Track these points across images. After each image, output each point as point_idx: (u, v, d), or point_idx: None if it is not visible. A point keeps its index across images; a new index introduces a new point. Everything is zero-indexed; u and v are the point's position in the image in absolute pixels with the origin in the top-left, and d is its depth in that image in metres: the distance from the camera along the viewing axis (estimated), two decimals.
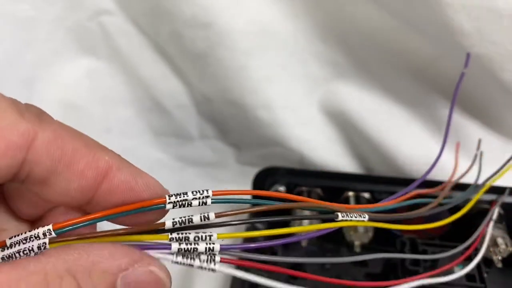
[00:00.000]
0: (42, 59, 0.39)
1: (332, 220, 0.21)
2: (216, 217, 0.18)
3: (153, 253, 0.17)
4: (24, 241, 0.16)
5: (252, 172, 0.41)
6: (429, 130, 0.43)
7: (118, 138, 0.44)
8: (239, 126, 0.46)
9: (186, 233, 0.17)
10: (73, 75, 0.41)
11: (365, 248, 0.38)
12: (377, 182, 0.40)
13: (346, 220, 0.20)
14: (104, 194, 0.18)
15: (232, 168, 0.49)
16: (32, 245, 0.16)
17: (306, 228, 0.21)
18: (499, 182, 0.38)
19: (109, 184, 0.18)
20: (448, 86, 0.40)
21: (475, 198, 0.34)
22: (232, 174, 0.49)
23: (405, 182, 0.40)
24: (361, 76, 0.43)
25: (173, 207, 0.18)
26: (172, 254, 0.17)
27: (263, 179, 0.41)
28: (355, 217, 0.21)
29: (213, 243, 0.17)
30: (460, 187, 0.37)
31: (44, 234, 0.16)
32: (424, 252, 0.34)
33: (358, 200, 0.39)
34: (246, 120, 0.44)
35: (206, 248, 0.17)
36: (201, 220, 0.18)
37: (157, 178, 0.51)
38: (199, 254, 0.17)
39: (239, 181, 0.48)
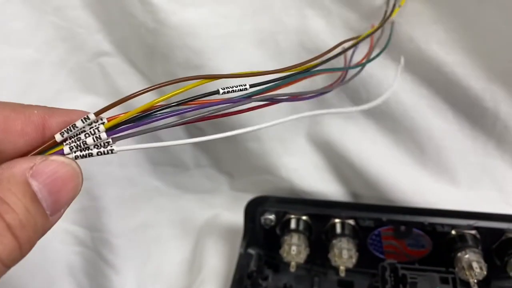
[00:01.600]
0: (46, 98, 0.42)
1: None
2: (97, 114, 0.20)
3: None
4: None
5: (246, 198, 0.44)
6: (411, 155, 0.45)
7: (118, 168, 0.47)
8: (232, 156, 0.48)
9: (77, 136, 0.20)
10: None
11: (349, 271, 0.40)
12: (361, 210, 0.42)
13: (228, 92, 0.23)
14: (52, 138, 0.20)
15: (226, 194, 0.52)
16: None
17: (181, 90, 0.23)
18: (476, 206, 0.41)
19: (50, 130, 0.20)
20: (429, 110, 0.43)
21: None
22: (227, 201, 0.52)
23: (387, 209, 0.42)
24: (345, 107, 0.45)
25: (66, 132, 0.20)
26: (68, 154, 0.20)
27: (254, 207, 0.43)
28: (237, 88, 0.24)
29: (100, 133, 0.20)
30: None
31: None
32: (404, 277, 0.36)
33: (344, 227, 0.42)
34: (238, 150, 0.47)
35: (94, 138, 0.20)
36: (83, 121, 0.20)
37: (155, 205, 0.54)
38: (94, 146, 0.20)
39: (233, 207, 0.50)
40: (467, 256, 0.38)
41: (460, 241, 0.40)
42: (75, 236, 0.46)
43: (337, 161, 0.46)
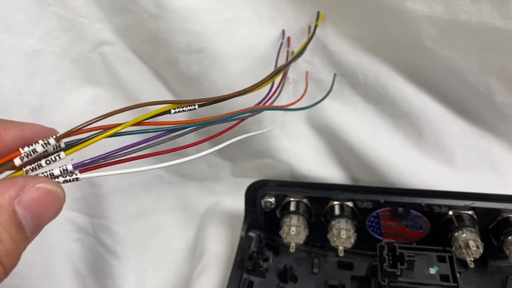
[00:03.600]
0: (48, 88, 0.43)
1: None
2: (57, 139, 0.21)
3: None
4: None
5: (246, 183, 0.44)
6: (409, 138, 0.46)
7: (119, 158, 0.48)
8: (233, 141, 0.49)
9: (38, 163, 0.20)
10: (77, 102, 0.45)
11: (348, 252, 0.41)
12: (359, 192, 0.43)
13: (179, 112, 0.24)
14: (4, 151, 0.21)
15: (228, 181, 0.53)
16: None
17: (140, 118, 0.24)
18: (473, 188, 0.42)
19: (4, 143, 0.21)
20: (427, 94, 0.44)
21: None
22: (228, 187, 0.53)
23: (385, 191, 0.43)
24: (344, 91, 0.46)
25: (25, 153, 0.20)
26: None
27: (254, 191, 0.44)
28: (186, 108, 0.25)
29: (66, 165, 0.20)
30: None
31: None
32: (401, 255, 0.37)
33: (343, 209, 0.42)
34: (239, 134, 0.47)
35: (60, 170, 0.20)
36: (43, 147, 0.20)
37: (158, 192, 0.54)
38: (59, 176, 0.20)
39: (234, 193, 0.51)
40: (464, 235, 0.39)
41: (457, 221, 0.41)
42: (74, 223, 0.47)
43: (336, 144, 0.47)
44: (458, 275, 0.37)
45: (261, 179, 0.44)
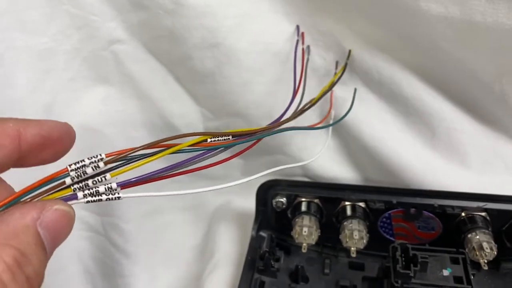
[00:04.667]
0: (60, 86, 0.43)
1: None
2: (107, 162, 0.22)
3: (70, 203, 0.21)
4: None
5: (257, 182, 0.44)
6: (422, 137, 0.45)
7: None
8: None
9: (85, 182, 0.21)
10: (88, 101, 0.45)
11: (359, 253, 0.41)
12: (371, 192, 0.43)
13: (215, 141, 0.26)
14: (27, 149, 0.22)
15: (238, 179, 0.53)
16: None
17: (180, 147, 0.25)
18: (486, 190, 0.41)
19: (26, 142, 0.21)
20: (440, 93, 0.43)
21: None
22: (238, 186, 0.52)
23: (397, 191, 0.43)
24: (357, 88, 0.45)
25: (75, 173, 0.22)
26: (81, 199, 0.21)
27: (266, 191, 0.44)
28: (221, 138, 0.26)
29: (110, 183, 0.22)
30: None
31: None
32: (414, 256, 0.37)
33: (355, 210, 0.42)
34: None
35: (105, 188, 0.22)
36: (93, 170, 0.22)
37: (168, 191, 0.54)
38: (104, 194, 0.22)
39: (245, 192, 0.51)
40: (477, 237, 0.39)
41: (470, 223, 0.40)
42: (85, 222, 0.47)
43: (349, 142, 0.47)
44: (472, 277, 0.36)
45: (273, 178, 0.44)
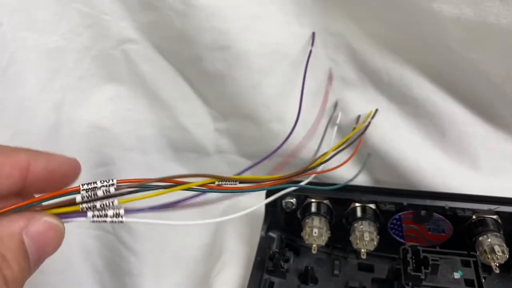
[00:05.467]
0: (70, 85, 0.43)
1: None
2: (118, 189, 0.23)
3: (74, 219, 0.22)
4: None
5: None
6: (432, 139, 0.45)
7: (139, 155, 0.48)
8: (253, 139, 0.49)
9: (93, 203, 0.22)
10: (98, 99, 0.45)
11: (369, 255, 0.40)
12: (382, 194, 0.43)
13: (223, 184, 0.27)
14: (33, 182, 0.22)
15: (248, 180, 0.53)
16: None
17: (191, 185, 0.25)
18: (497, 192, 0.41)
19: (33, 174, 0.22)
20: (451, 95, 0.43)
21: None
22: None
23: (408, 193, 0.43)
24: (367, 90, 0.45)
25: (85, 191, 0.23)
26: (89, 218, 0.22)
27: (275, 192, 0.44)
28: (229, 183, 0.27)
29: (119, 209, 0.23)
30: None
31: None
32: (425, 259, 0.36)
33: (365, 211, 0.42)
34: (260, 132, 0.47)
35: (113, 213, 0.23)
36: (103, 193, 0.23)
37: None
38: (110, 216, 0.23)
39: (254, 193, 0.50)
40: (489, 240, 0.39)
41: (481, 226, 0.40)
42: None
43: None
44: (484, 281, 0.36)
45: None
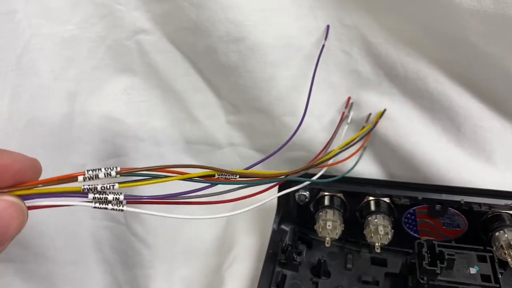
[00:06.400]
0: (84, 74, 0.43)
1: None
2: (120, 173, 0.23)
3: (75, 201, 0.23)
4: None
5: None
6: (447, 133, 0.45)
7: (151, 146, 0.48)
8: (266, 132, 0.49)
9: (94, 184, 0.23)
10: (111, 90, 0.45)
11: (382, 249, 0.40)
12: (396, 188, 0.42)
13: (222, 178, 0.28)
14: None
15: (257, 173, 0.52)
16: None
17: (191, 175, 0.26)
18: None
19: None
20: (467, 90, 0.43)
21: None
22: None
23: (423, 187, 0.42)
24: (382, 83, 0.45)
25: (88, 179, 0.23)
26: (90, 202, 0.23)
27: (288, 184, 0.43)
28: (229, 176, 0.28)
29: (119, 194, 0.23)
30: None
31: None
32: (441, 253, 0.36)
33: (379, 205, 0.42)
34: (273, 125, 0.47)
35: (113, 198, 0.23)
36: (105, 176, 0.23)
37: (187, 182, 0.54)
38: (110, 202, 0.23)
39: (265, 185, 0.50)
40: (506, 235, 0.38)
41: (498, 221, 0.40)
42: (106, 211, 0.47)
43: (372, 137, 0.46)
44: (500, 276, 0.36)
45: None
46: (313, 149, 0.47)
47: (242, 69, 0.43)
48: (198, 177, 0.27)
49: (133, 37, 0.43)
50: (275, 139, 0.48)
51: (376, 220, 0.40)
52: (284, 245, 0.42)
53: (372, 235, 0.39)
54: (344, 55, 0.44)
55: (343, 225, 0.41)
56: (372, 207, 0.41)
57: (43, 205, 0.23)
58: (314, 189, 0.43)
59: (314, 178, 0.39)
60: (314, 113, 0.45)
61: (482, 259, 0.37)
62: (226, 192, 0.29)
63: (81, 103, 0.43)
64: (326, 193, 0.42)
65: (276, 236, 0.44)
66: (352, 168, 0.44)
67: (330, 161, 0.40)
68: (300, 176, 0.36)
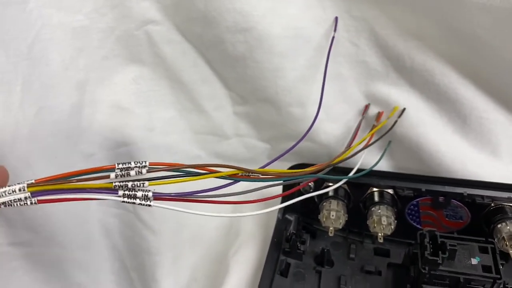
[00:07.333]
0: (93, 64, 0.43)
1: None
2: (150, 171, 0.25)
3: (105, 196, 0.24)
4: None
5: (282, 166, 0.44)
6: (453, 125, 0.45)
7: (160, 136, 0.48)
8: (272, 123, 0.49)
9: (125, 182, 0.24)
10: (120, 79, 0.45)
11: (385, 240, 0.41)
12: (400, 179, 0.43)
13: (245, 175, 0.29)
14: None
15: (264, 163, 0.53)
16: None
17: (222, 174, 0.28)
18: None
19: None
20: (473, 82, 0.43)
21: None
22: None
23: (426, 179, 0.43)
24: (389, 74, 0.45)
25: (120, 170, 0.25)
26: (119, 197, 0.24)
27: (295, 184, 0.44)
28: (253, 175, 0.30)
29: (148, 191, 0.24)
30: None
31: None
32: (443, 244, 0.36)
33: (383, 196, 0.42)
34: (279, 116, 0.47)
35: (142, 195, 0.24)
36: (136, 174, 0.25)
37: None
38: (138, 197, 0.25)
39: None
40: (508, 227, 0.39)
41: (500, 213, 0.40)
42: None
43: (378, 129, 0.46)
44: (501, 267, 0.36)
45: (299, 163, 0.44)
46: (318, 140, 0.47)
47: (249, 60, 0.43)
48: (227, 175, 0.28)
49: (142, 27, 0.44)
50: (281, 130, 0.48)
51: (379, 211, 0.40)
52: (288, 234, 0.42)
53: (375, 225, 0.40)
54: (352, 46, 0.44)
55: (346, 215, 0.42)
56: (376, 198, 0.42)
57: (73, 198, 0.24)
58: (318, 180, 0.43)
59: (351, 174, 0.40)
60: (322, 104, 0.45)
61: (483, 250, 0.38)
62: (252, 191, 0.31)
63: (90, 93, 0.44)
64: (330, 184, 0.43)
65: (280, 225, 0.45)
66: (378, 162, 0.44)
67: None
68: (329, 173, 0.37)
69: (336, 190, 0.43)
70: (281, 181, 0.34)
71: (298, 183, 0.37)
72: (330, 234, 0.41)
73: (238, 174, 0.28)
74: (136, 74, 0.46)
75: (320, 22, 0.43)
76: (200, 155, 0.51)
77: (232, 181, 0.28)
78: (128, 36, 0.44)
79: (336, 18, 0.43)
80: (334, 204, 0.42)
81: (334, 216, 0.40)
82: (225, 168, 0.28)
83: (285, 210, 0.46)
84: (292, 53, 0.43)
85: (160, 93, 0.47)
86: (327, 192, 0.43)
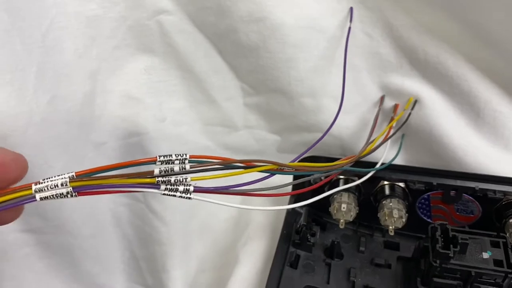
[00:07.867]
0: (105, 53, 0.43)
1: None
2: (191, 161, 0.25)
3: (147, 190, 0.24)
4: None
5: (289, 159, 0.44)
6: (466, 118, 0.44)
7: (171, 126, 0.48)
8: (283, 114, 0.49)
9: (168, 177, 0.24)
10: (132, 69, 0.45)
11: (395, 233, 0.41)
12: (411, 173, 0.43)
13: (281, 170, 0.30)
14: None
15: (273, 156, 0.53)
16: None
17: (264, 168, 0.28)
18: None
19: None
20: (488, 75, 0.42)
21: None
22: (276, 158, 0.53)
23: (438, 173, 0.42)
24: (402, 65, 0.45)
25: (161, 163, 0.25)
26: (161, 190, 0.24)
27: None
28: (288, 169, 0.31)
29: (189, 185, 0.25)
30: None
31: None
32: (454, 238, 0.36)
33: (394, 189, 0.42)
34: (291, 106, 0.47)
35: (184, 189, 0.25)
36: (180, 169, 0.25)
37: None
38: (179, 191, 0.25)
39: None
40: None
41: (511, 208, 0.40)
42: None
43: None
44: None
45: (311, 155, 0.44)
46: (331, 132, 0.47)
47: (262, 50, 0.43)
48: (266, 170, 0.29)
49: (154, 17, 0.43)
50: (292, 121, 0.48)
51: (391, 204, 0.40)
52: (298, 226, 0.42)
53: (386, 218, 0.40)
54: (365, 37, 0.44)
55: (357, 208, 0.42)
56: (387, 191, 0.42)
57: (113, 191, 0.24)
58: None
59: (377, 166, 0.40)
60: (333, 94, 0.45)
61: (495, 244, 0.38)
62: (284, 186, 0.31)
63: (102, 82, 0.44)
64: (341, 176, 0.43)
65: (290, 217, 0.45)
66: (397, 155, 0.44)
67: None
68: (354, 166, 0.38)
69: (347, 182, 0.43)
70: (314, 174, 0.35)
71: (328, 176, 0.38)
72: (341, 227, 0.41)
73: (274, 168, 0.29)
74: (147, 64, 0.45)
75: (334, 13, 0.43)
76: (209, 146, 0.51)
77: (268, 174, 0.29)
78: (140, 26, 0.44)
79: (351, 9, 0.43)
80: (345, 196, 0.41)
81: (345, 208, 0.40)
82: (262, 163, 0.28)
83: (295, 202, 0.45)
84: (305, 43, 0.43)
85: (171, 84, 0.47)
86: (339, 185, 0.42)
